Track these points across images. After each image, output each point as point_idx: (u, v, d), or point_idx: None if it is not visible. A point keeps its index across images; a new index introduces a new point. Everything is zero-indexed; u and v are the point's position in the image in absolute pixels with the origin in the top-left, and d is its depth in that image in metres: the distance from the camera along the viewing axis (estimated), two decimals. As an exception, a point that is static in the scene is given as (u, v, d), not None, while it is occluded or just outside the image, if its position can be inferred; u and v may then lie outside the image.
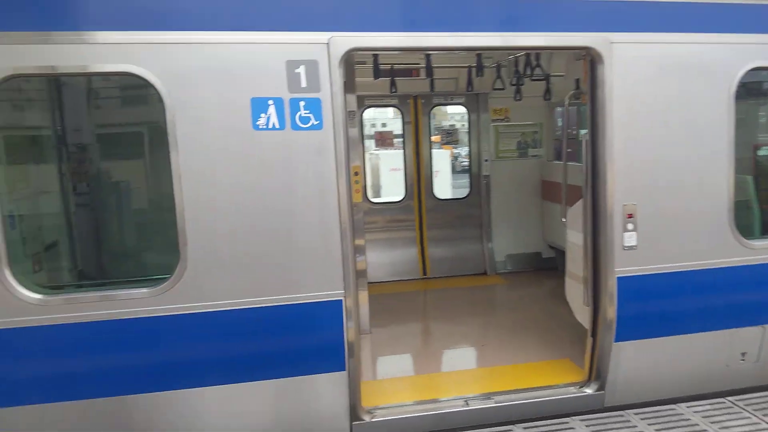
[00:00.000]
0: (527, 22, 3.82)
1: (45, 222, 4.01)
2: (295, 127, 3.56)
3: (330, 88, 3.56)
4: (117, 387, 3.59)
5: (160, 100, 3.38)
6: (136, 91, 3.94)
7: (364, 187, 7.51)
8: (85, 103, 4.07)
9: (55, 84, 3.89)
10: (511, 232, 7.89)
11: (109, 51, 3.30)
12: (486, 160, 7.71)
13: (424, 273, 7.74)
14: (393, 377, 4.87)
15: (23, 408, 3.48)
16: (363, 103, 7.37)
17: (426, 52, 5.48)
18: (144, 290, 3.54)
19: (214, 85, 3.43)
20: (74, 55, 3.26)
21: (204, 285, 3.56)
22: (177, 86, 3.38)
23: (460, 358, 5.41)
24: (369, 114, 8.70)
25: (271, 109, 3.52)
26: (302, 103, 3.55)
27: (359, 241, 5.43)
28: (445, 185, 12.55)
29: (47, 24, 3.21)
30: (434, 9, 3.69)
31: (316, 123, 3.58)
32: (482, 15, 3.76)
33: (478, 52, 5.76)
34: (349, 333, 3.78)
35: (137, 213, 4.40)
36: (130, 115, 4.14)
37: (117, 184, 4.31)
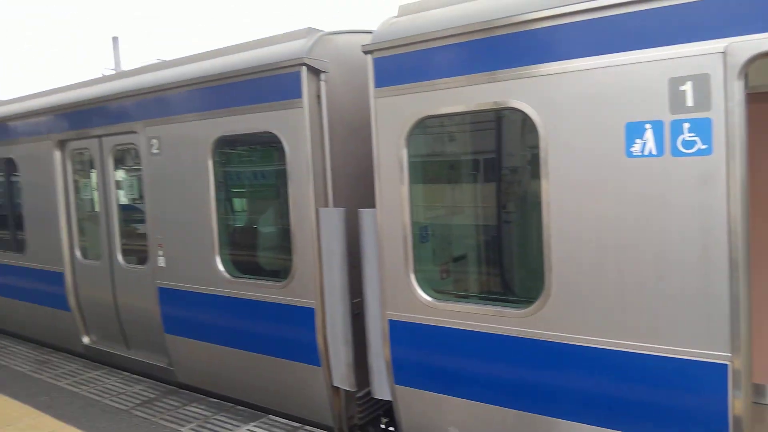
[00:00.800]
0: None
1: (456, 236, 4.69)
2: (675, 152, 3.11)
3: (724, 106, 2.96)
4: (479, 393, 3.93)
5: (535, 130, 3.54)
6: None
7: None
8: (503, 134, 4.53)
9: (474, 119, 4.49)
10: None
11: (495, 89, 3.67)
12: None
13: None
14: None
15: (414, 391, 4.23)
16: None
17: None
18: (512, 310, 3.76)
19: (586, 112, 3.35)
20: (468, 97, 3.77)
21: (565, 315, 3.52)
22: (550, 116, 3.47)
23: None
24: None
25: (648, 134, 3.18)
26: (686, 125, 3.07)
27: None
28: None
29: (436, 74, 3.85)
30: None
31: (703, 147, 3.03)
32: None
33: None
34: (735, 406, 3.02)
35: (530, 236, 4.59)
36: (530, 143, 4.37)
37: (521, 207, 4.59)
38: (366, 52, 4.18)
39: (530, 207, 3.89)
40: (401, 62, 4.05)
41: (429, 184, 4.41)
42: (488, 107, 3.76)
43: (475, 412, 4.00)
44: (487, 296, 4.19)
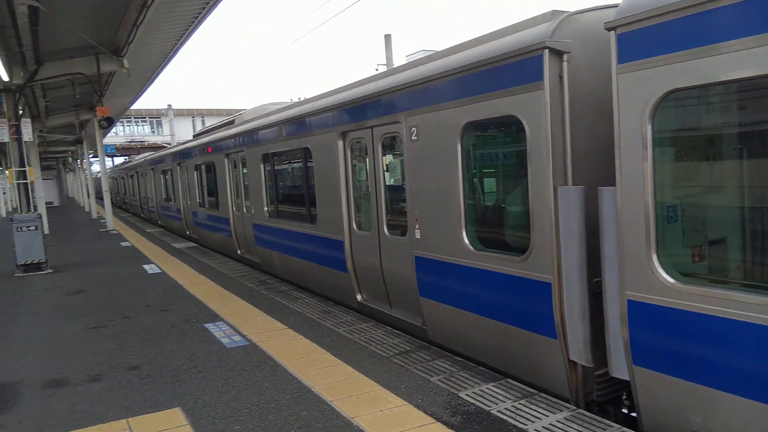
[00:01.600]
0: None
1: (706, 217, 4.34)
2: None
3: None
4: (727, 383, 3.66)
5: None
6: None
7: None
8: None
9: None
10: None
11: (759, 54, 3.33)
12: None
13: None
14: None
15: (653, 373, 4.12)
16: None
17: None
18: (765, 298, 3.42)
19: None
20: (728, 67, 3.50)
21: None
22: None
23: None
24: None
25: None
26: None
27: None
28: None
29: (686, 45, 3.61)
30: None
31: None
32: None
33: None
34: None
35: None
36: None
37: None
38: (609, 29, 4.16)
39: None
40: (647, 35, 3.93)
41: (676, 161, 4.18)
42: (748, 75, 3.43)
43: (721, 402, 3.74)
44: (743, 282, 3.83)
